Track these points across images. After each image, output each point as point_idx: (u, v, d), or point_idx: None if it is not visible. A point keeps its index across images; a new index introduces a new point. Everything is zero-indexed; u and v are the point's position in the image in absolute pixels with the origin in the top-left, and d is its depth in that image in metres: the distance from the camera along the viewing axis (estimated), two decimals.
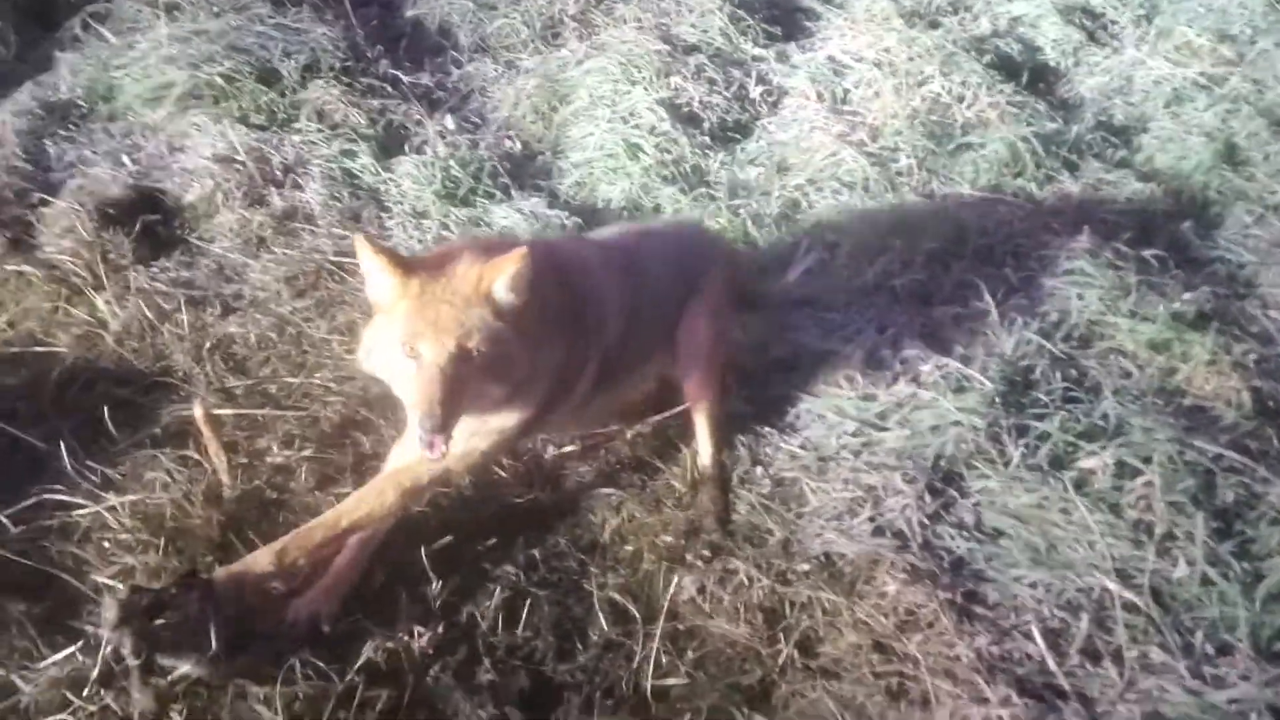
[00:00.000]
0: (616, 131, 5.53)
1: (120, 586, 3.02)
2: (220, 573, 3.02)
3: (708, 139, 5.65)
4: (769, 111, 5.97)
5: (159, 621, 2.83)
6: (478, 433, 3.30)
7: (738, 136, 5.80)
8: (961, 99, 5.85)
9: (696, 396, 3.84)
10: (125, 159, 5.15)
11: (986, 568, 3.38)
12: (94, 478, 3.54)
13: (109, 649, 2.85)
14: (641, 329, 3.73)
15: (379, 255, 3.01)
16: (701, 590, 3.36)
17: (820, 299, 4.54)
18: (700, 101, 5.84)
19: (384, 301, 3.05)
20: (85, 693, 2.85)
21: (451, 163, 5.18)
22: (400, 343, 2.97)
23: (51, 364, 4.03)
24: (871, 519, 3.53)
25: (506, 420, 3.32)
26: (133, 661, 2.80)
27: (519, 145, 5.69)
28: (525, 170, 5.47)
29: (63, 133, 5.40)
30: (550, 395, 3.38)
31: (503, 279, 3.02)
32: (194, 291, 4.41)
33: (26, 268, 4.41)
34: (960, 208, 5.08)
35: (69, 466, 3.51)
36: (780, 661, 3.18)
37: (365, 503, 3.22)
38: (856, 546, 3.43)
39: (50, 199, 4.77)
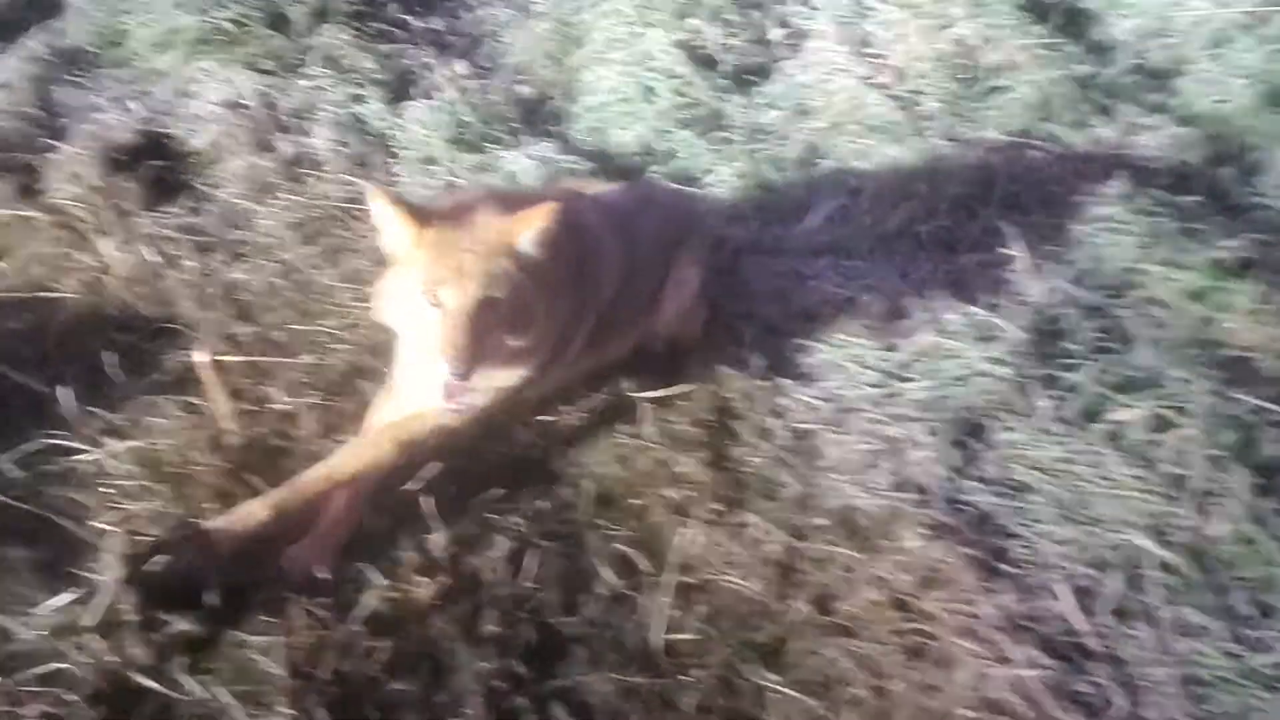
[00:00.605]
0: (631, 75, 5.36)
1: (118, 532, 2.97)
2: (216, 523, 2.96)
3: (725, 82, 5.45)
4: (789, 54, 5.73)
5: (155, 569, 2.81)
6: (476, 389, 3.19)
7: (757, 80, 5.60)
8: (989, 41, 5.61)
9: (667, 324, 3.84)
10: (133, 105, 5.01)
11: (1012, 523, 3.26)
12: (97, 423, 3.45)
13: (107, 601, 2.79)
14: (634, 290, 3.66)
15: (394, 205, 2.95)
16: (713, 544, 3.25)
17: (841, 246, 4.40)
18: (718, 43, 5.63)
19: (400, 252, 3.00)
20: (81, 641, 2.76)
21: (462, 108, 5.03)
22: (421, 290, 2.91)
23: (56, 309, 3.93)
24: (892, 472, 3.41)
25: (509, 377, 3.25)
26: (132, 616, 2.75)
27: (531, 90, 5.52)
28: (537, 115, 5.32)
29: (71, 78, 5.26)
30: (552, 354, 3.31)
31: (530, 232, 2.98)
32: (200, 238, 4.30)
33: (33, 213, 4.30)
34: (988, 153, 4.91)
35: (71, 411, 3.41)
36: (794, 618, 3.07)
37: (362, 455, 3.14)
38: (876, 501, 3.31)
39: (57, 144, 4.65)
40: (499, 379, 3.24)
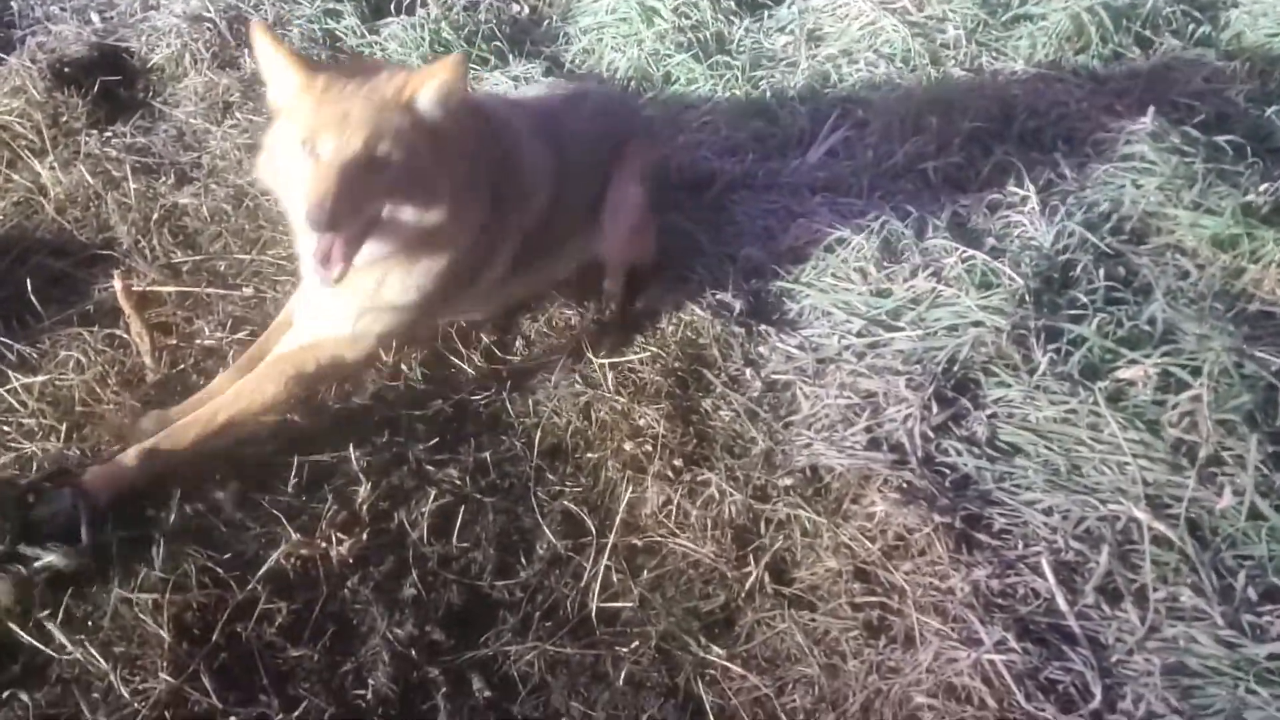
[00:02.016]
0: None
1: None
2: (91, 470, 2.75)
3: (733, 4, 5.11)
4: None
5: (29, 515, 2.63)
6: (370, 310, 2.93)
7: (768, 3, 5.24)
8: None
9: (615, 252, 3.50)
10: (94, 16, 4.77)
11: (995, 489, 2.94)
12: (10, 355, 3.22)
13: None
14: (566, 205, 3.34)
15: (279, 47, 2.67)
16: (667, 503, 2.96)
17: (839, 183, 4.04)
18: None
19: (286, 101, 2.71)
20: None
21: (443, 24, 4.70)
22: (301, 140, 2.61)
23: None
24: (868, 429, 3.10)
25: (404, 294, 2.94)
26: None
27: (526, 9, 5.21)
28: (529, 35, 5.01)
29: None
30: (462, 267, 2.99)
31: (431, 86, 2.66)
32: (148, 159, 4.05)
33: None
34: (1010, 84, 4.53)
35: None
36: (748, 586, 2.78)
37: (243, 395, 2.89)
38: (846, 460, 3.00)
39: (4, 56, 4.39)
40: (390, 294, 2.93)
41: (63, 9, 4.83)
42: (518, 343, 3.48)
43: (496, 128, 3.06)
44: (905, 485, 2.91)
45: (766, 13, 5.16)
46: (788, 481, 2.99)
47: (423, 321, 3.16)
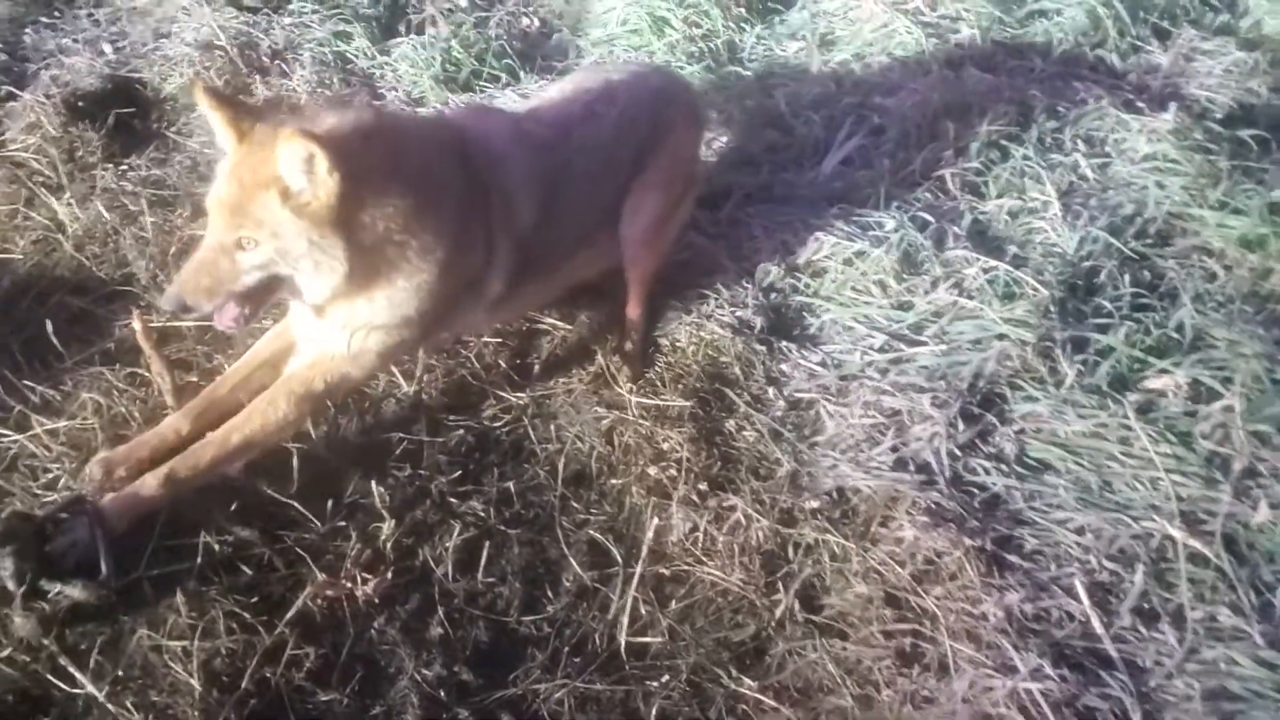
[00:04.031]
0: (642, 4, 4.98)
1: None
2: (109, 498, 2.76)
3: (743, 11, 5.06)
4: None
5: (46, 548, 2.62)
6: (363, 328, 2.91)
7: (779, 7, 5.20)
8: None
9: (633, 261, 3.45)
10: (107, 47, 4.75)
11: (1025, 508, 2.92)
12: (33, 398, 3.21)
13: None
14: (571, 210, 3.28)
15: (215, 104, 2.66)
16: (693, 530, 2.94)
17: (858, 193, 3.99)
18: None
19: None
20: None
21: (453, 43, 4.68)
22: (209, 205, 2.70)
23: (4, 272, 3.70)
24: (894, 449, 3.08)
25: (392, 313, 2.91)
26: (12, 586, 2.54)
27: (536, 23, 5.16)
28: (539, 50, 4.96)
29: (45, 19, 5.01)
30: (449, 284, 2.94)
31: (287, 160, 2.57)
32: (164, 191, 4.02)
33: None
34: (1027, 84, 4.45)
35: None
36: (778, 614, 2.77)
37: (256, 415, 2.90)
38: (873, 481, 2.98)
39: (19, 92, 4.39)
40: (372, 314, 2.88)
41: (75, 40, 4.81)
42: (537, 367, 3.45)
43: (461, 154, 3.01)
44: (934, 507, 2.88)
45: (778, 18, 5.11)
46: (814, 504, 2.97)
47: (424, 337, 3.12)
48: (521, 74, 4.70)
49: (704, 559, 2.90)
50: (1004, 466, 3.00)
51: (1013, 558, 2.77)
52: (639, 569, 2.85)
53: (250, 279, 2.68)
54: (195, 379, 3.29)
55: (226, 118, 2.65)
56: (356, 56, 4.74)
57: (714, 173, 4.16)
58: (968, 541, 2.75)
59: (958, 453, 3.02)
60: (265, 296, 2.78)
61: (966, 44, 4.79)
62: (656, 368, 3.41)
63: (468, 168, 3.00)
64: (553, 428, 3.27)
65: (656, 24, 4.90)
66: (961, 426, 3.07)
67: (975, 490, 2.96)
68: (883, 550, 2.82)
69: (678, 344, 3.47)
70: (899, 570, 2.77)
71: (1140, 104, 4.30)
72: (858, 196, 3.97)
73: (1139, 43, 4.80)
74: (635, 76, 3.56)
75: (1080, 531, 2.81)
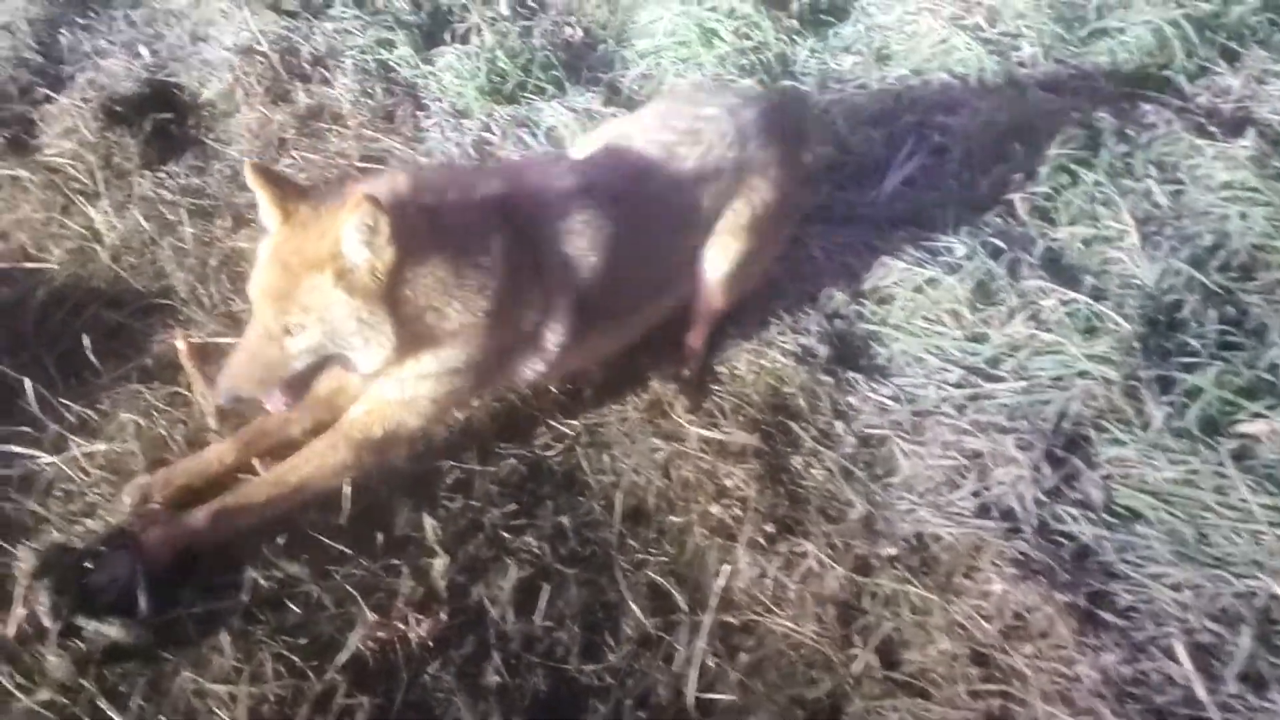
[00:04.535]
0: (690, 15, 4.83)
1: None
2: (152, 532, 2.64)
3: (795, 23, 4.91)
4: None
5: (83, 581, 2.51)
6: (416, 377, 2.82)
7: (831, 20, 5.05)
8: None
9: (708, 300, 3.33)
10: (143, 50, 4.62)
11: (1117, 561, 2.75)
12: (70, 417, 3.07)
13: (23, 608, 2.45)
14: (642, 260, 3.15)
15: (264, 183, 2.60)
16: (762, 576, 2.78)
17: (924, 215, 3.84)
18: None
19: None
20: None
21: (498, 53, 4.53)
22: (253, 293, 2.63)
23: (38, 283, 3.56)
24: (975, 494, 2.92)
25: (443, 363, 2.82)
26: (48, 622, 2.41)
27: (580, 33, 5.01)
28: (584, 61, 4.80)
29: (80, 21, 4.89)
30: (495, 343, 2.86)
31: (349, 231, 2.51)
32: (203, 201, 3.89)
33: (22, 172, 3.91)
34: (1095, 106, 4.28)
35: (35, 407, 3.03)
36: (855, 671, 2.60)
37: (315, 457, 2.81)
38: (956, 528, 2.81)
39: (55, 95, 4.25)
40: (422, 366, 2.81)
41: (111, 43, 4.68)
42: (588, 393, 3.30)
43: (506, 211, 2.90)
44: (1020, 557, 2.72)
45: (831, 32, 4.96)
46: (892, 551, 2.80)
47: (479, 385, 3.00)
48: (567, 85, 4.54)
49: (774, 608, 2.73)
50: (1092, 514, 2.84)
51: (1107, 615, 2.60)
52: (707, 618, 2.68)
53: (299, 363, 2.63)
54: None
55: (274, 196, 2.59)
56: (399, 65, 4.59)
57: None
58: (1059, 596, 2.59)
59: (1043, 499, 2.86)
60: (314, 376, 2.73)
61: (1028, 62, 4.64)
62: (715, 397, 3.25)
63: (516, 224, 2.90)
64: (606, 458, 3.12)
65: (705, 35, 4.75)
66: (1046, 470, 2.90)
67: (1063, 540, 2.79)
68: (967, 603, 2.66)
69: (736, 372, 3.32)
70: (985, 626, 2.60)
71: (1212, 129, 4.14)
72: (924, 219, 3.82)
73: (1207, 64, 4.64)
74: (727, 111, 3.31)
75: (1178, 588, 2.65)
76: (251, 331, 2.61)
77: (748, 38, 4.76)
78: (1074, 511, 2.83)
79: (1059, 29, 4.77)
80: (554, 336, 2.99)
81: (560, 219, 2.98)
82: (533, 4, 5.16)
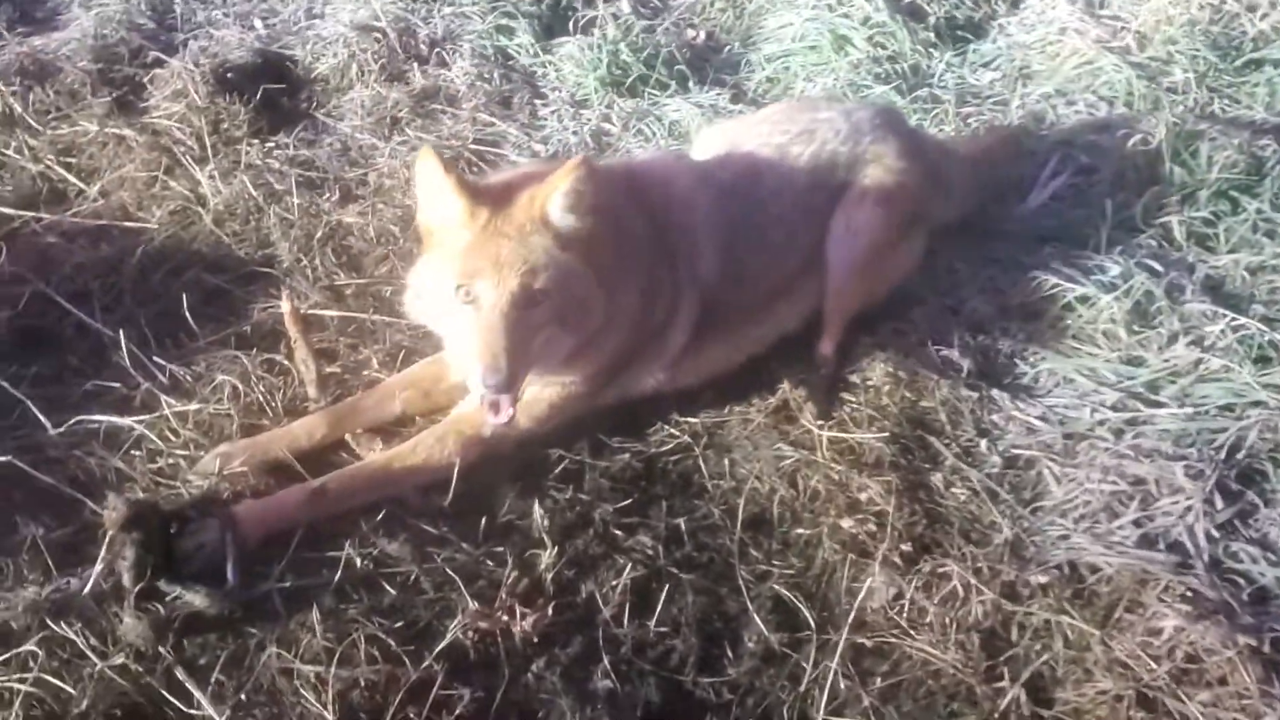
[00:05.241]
0: (821, 20, 4.64)
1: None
2: (247, 504, 2.50)
3: (932, 35, 4.69)
4: (1007, 10, 4.95)
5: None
6: (539, 380, 2.72)
7: (969, 36, 4.83)
8: (1254, 8, 4.69)
9: (837, 292, 3.15)
10: (258, 22, 4.55)
11: None
12: (162, 378, 2.91)
13: (104, 565, 2.30)
14: (761, 257, 3.04)
15: (449, 173, 2.48)
16: (899, 596, 2.52)
17: (1074, 233, 3.59)
18: None
19: (442, 232, 2.54)
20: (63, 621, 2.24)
21: (622, 46, 4.37)
22: (456, 285, 2.45)
23: (139, 242, 3.44)
24: (1137, 523, 2.63)
25: (574, 370, 2.76)
26: (129, 580, 2.25)
27: (703, 35, 4.85)
28: (709, 62, 4.64)
29: None
30: (629, 344, 2.80)
31: (558, 198, 2.47)
32: (312, 173, 3.76)
33: (128, 131, 3.82)
34: (1255, 134, 3.99)
35: (129, 362, 2.88)
36: (1001, 706, 2.33)
37: (422, 448, 2.69)
38: (1116, 559, 2.53)
39: (166, 59, 4.15)
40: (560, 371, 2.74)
41: (225, 15, 4.62)
42: (709, 392, 3.07)
43: (644, 196, 2.86)
44: (1191, 594, 2.42)
45: (970, 47, 4.73)
46: (1043, 579, 2.53)
47: (599, 390, 2.88)
48: (691, 84, 4.36)
49: (911, 631, 2.47)
50: (1271, 555, 2.54)
51: None
52: (839, 637, 2.43)
53: (540, 338, 2.53)
54: (339, 370, 2.97)
55: (459, 183, 2.49)
56: (518, 53, 4.46)
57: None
58: (1241, 640, 2.29)
59: (1215, 533, 2.57)
60: (532, 366, 2.59)
61: (1180, 87, 4.36)
62: (847, 406, 3.00)
63: (652, 214, 2.84)
64: (727, 462, 2.89)
65: (838, 42, 4.56)
66: (1219, 502, 2.62)
67: (1239, 579, 2.49)
68: (1131, 641, 2.37)
69: (870, 381, 3.06)
70: (1153, 666, 2.31)
71: None
72: (1073, 237, 3.56)
73: None
74: (840, 112, 3.27)
75: None
76: (497, 309, 2.44)
77: (882, 47, 4.56)
78: (1251, 550, 2.54)
79: (1212, 56, 4.49)
80: (677, 337, 2.90)
81: (687, 211, 2.92)
82: (656, 4, 5.00)
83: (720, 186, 3.01)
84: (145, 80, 4.08)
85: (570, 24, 4.68)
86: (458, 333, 2.55)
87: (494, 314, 2.43)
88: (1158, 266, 3.34)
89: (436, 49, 4.37)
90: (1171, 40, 4.56)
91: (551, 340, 2.56)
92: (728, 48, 4.81)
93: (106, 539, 2.28)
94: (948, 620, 2.47)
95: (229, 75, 4.04)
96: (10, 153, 3.74)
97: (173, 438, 2.72)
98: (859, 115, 3.27)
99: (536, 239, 2.47)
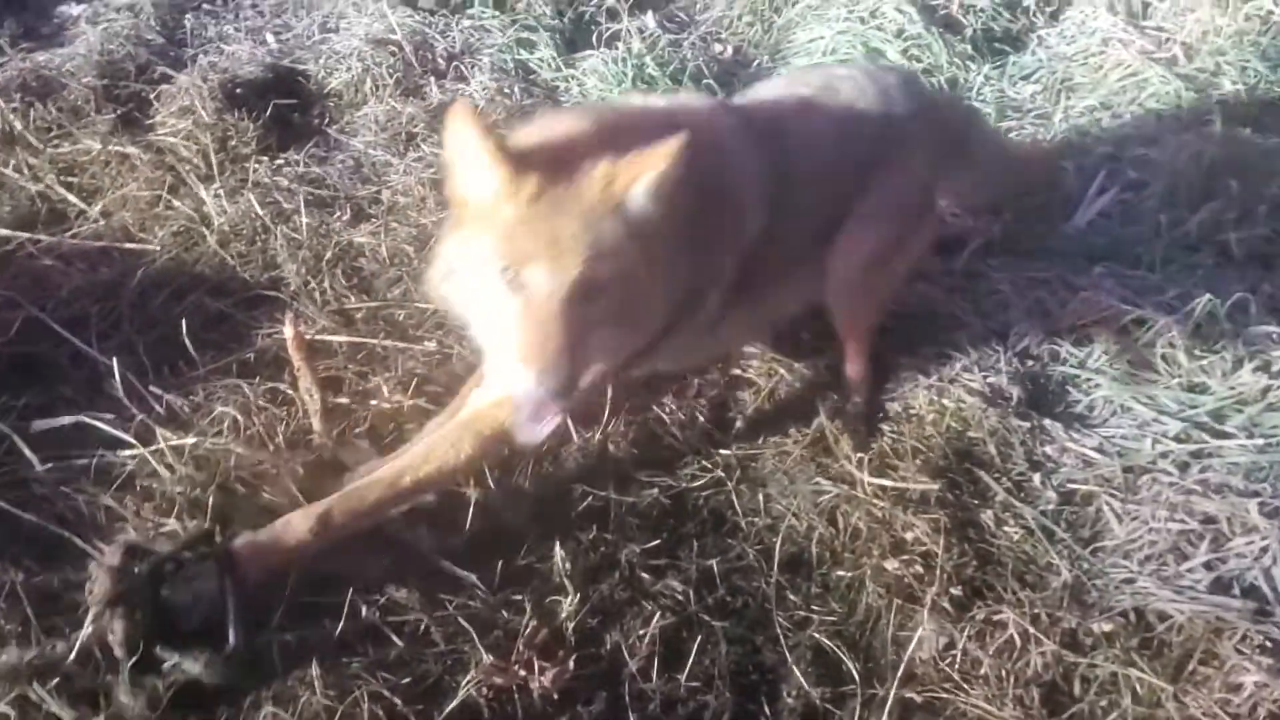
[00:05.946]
0: (853, 34, 4.46)
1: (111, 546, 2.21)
2: (244, 540, 2.23)
3: (969, 48, 4.51)
4: (1046, 21, 4.77)
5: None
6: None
7: (1007, 49, 4.64)
8: None
9: (844, 307, 2.86)
10: (269, 37, 4.40)
11: None
12: (158, 408, 2.74)
13: (91, 632, 2.07)
14: (794, 221, 2.67)
15: (486, 135, 2.07)
16: (950, 647, 2.32)
17: (1123, 251, 3.39)
18: (961, 4, 4.69)
19: (480, 204, 2.12)
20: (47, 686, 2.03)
21: (648, 60, 4.20)
22: (501, 267, 2.07)
23: (140, 264, 3.26)
24: (1209, 566, 2.43)
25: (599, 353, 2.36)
26: (121, 654, 2.03)
27: (730, 50, 4.68)
28: (736, 77, 4.45)
29: (207, 6, 4.69)
30: (664, 320, 2.44)
31: (645, 182, 2.10)
32: (322, 191, 3.59)
33: (131, 149, 3.65)
34: None
35: (121, 393, 2.71)
36: None
37: (436, 456, 2.38)
38: (1188, 605, 2.34)
39: (174, 74, 4.00)
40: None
41: (236, 29, 4.48)
42: (740, 423, 2.89)
43: (712, 162, 2.42)
44: (1271, 645, 2.22)
45: (1009, 60, 4.54)
46: (1107, 628, 2.34)
47: (620, 374, 2.62)
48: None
49: (965, 685, 2.27)
50: None
51: None
52: (887, 691, 2.23)
53: (595, 333, 2.16)
54: (346, 401, 2.79)
55: (499, 147, 2.08)
56: (540, 67, 4.30)
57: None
58: None
59: None
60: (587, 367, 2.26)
61: (1230, 100, 4.16)
62: (889, 437, 2.81)
63: (703, 170, 2.36)
64: (760, 497, 2.70)
65: (871, 55, 4.37)
66: None
67: None
68: (1209, 696, 2.18)
69: (913, 411, 2.88)
70: None
71: None
72: (1125, 256, 3.36)
73: None
74: (865, 73, 2.94)
75: None
76: (553, 301, 2.06)
77: (917, 59, 4.38)
78: None
79: (1263, 68, 4.30)
80: (713, 302, 2.58)
81: (737, 164, 2.55)
82: (682, 18, 4.84)
83: (758, 132, 2.63)
84: (151, 96, 3.91)
85: (594, 37, 4.50)
86: (498, 323, 2.16)
87: (551, 304, 2.07)
88: (1218, 286, 3.14)
89: (454, 63, 4.20)
90: (1220, 51, 4.38)
91: (604, 341, 2.23)
92: (756, 62, 4.63)
93: (90, 615, 2.08)
94: (1004, 673, 2.28)
95: (238, 91, 3.88)
96: (9, 171, 3.58)
97: (168, 473, 2.54)
98: (888, 78, 2.93)
99: (608, 224, 2.10)
